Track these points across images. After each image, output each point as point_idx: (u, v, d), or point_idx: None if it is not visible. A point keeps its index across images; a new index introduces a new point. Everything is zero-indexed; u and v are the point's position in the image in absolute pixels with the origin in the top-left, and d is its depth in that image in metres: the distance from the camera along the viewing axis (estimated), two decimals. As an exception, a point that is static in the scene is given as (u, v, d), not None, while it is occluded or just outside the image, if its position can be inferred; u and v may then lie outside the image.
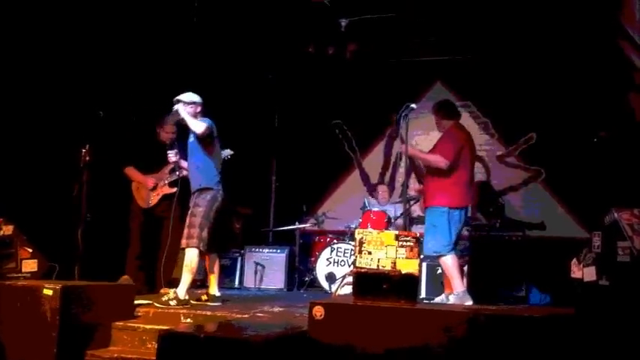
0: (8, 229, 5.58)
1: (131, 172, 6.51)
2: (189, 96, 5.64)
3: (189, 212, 5.45)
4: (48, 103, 6.31)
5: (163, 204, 6.39)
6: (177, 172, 6.19)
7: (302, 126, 9.59)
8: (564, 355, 3.27)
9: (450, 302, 5.48)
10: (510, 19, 7.32)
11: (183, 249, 5.38)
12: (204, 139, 5.52)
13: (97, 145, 5.79)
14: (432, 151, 5.83)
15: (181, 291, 5.21)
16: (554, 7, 6.95)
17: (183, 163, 6.02)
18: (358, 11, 7.53)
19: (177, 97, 5.60)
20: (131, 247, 6.40)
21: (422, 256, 6.09)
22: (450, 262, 5.56)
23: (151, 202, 6.42)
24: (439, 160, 5.64)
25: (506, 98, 8.47)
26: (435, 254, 5.63)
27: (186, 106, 5.57)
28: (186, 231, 5.37)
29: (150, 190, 6.42)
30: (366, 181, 9.64)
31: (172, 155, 6.05)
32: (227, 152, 6.04)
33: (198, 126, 5.45)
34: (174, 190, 6.15)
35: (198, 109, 5.65)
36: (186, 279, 5.28)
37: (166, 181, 6.37)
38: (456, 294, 5.49)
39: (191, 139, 5.67)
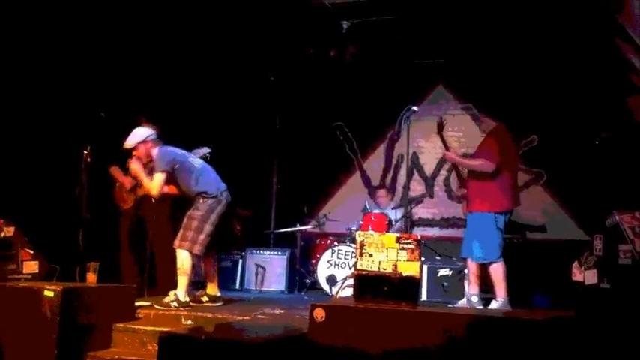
0: (9, 231, 5.59)
1: (115, 171, 6.47)
2: (132, 138, 5.50)
3: (188, 214, 5.42)
4: (49, 104, 6.32)
5: (146, 207, 6.35)
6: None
7: (303, 128, 9.59)
8: (565, 359, 3.27)
9: (491, 307, 5.46)
10: (512, 21, 7.31)
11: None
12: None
13: (98, 146, 5.78)
14: (476, 155, 5.75)
15: (181, 293, 5.21)
16: (554, 9, 6.95)
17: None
18: (360, 13, 7.52)
19: (124, 147, 5.51)
20: (122, 250, 6.39)
21: (423, 259, 6.11)
22: (500, 270, 5.50)
23: (130, 204, 6.38)
24: (485, 165, 5.54)
25: (507, 100, 8.43)
26: (485, 261, 5.55)
27: (136, 150, 5.50)
28: (181, 232, 5.35)
29: (128, 191, 6.39)
30: (368, 183, 9.64)
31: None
32: (204, 151, 5.99)
33: (151, 189, 5.41)
34: None
35: (149, 144, 5.52)
36: (182, 281, 5.27)
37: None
38: (501, 301, 5.45)
39: None
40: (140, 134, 5.50)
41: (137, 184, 6.35)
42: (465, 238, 5.76)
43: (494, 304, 5.48)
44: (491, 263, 5.52)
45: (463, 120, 8.91)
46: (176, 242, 5.32)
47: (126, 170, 6.43)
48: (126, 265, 6.32)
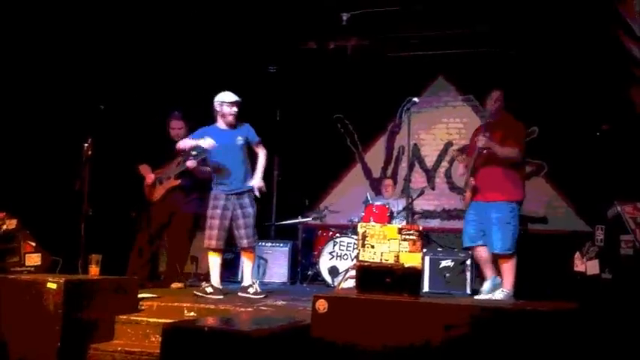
0: (12, 224, 5.58)
1: (143, 169, 6.56)
2: (228, 96, 5.84)
3: (253, 213, 5.74)
4: (50, 97, 6.32)
5: (172, 199, 6.39)
6: (182, 166, 6.20)
7: (304, 120, 9.57)
8: (567, 349, 3.27)
9: (496, 297, 5.40)
10: (511, 13, 7.30)
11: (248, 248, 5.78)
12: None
13: (99, 139, 5.78)
14: (501, 142, 5.53)
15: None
16: (555, 1, 6.94)
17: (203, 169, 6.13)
18: (360, 5, 7.51)
19: (238, 101, 5.80)
20: (138, 240, 6.43)
21: (425, 250, 6.09)
22: (515, 262, 5.47)
23: (158, 195, 6.45)
24: (516, 153, 5.47)
25: (508, 92, 8.43)
26: (509, 252, 5.45)
27: (231, 106, 5.78)
28: (253, 230, 5.71)
29: (151, 185, 6.45)
30: (368, 175, 9.63)
31: (191, 163, 6.08)
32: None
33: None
34: (178, 182, 6.23)
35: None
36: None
37: (172, 175, 6.38)
38: (506, 292, 5.43)
39: (240, 141, 5.79)
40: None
41: (160, 179, 6.43)
42: (474, 226, 5.62)
43: (499, 294, 5.45)
44: (510, 255, 5.46)
45: (464, 111, 8.93)
46: (254, 239, 5.74)
47: (152, 165, 6.48)
48: (136, 254, 6.38)
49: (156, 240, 6.48)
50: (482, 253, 5.64)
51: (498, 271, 5.61)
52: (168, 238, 6.47)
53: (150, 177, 6.48)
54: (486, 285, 5.61)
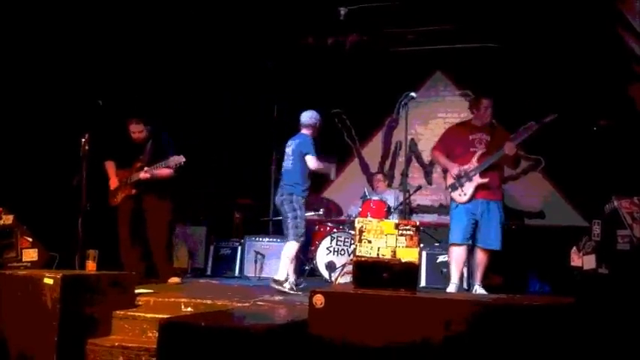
0: (8, 219, 5.59)
1: (108, 166, 6.46)
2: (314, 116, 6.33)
3: None
4: (47, 92, 6.30)
5: (145, 197, 6.34)
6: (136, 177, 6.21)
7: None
8: (564, 344, 3.28)
9: (479, 292, 5.55)
10: (510, 7, 7.30)
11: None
12: None
13: (96, 134, 5.77)
14: (499, 145, 5.77)
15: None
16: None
17: (160, 170, 6.15)
18: (357, 0, 7.50)
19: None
20: (120, 240, 6.36)
21: (422, 245, 6.09)
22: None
23: (115, 201, 6.36)
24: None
25: (505, 87, 8.45)
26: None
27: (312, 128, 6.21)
28: None
29: (112, 190, 6.37)
30: (366, 170, 9.64)
31: (144, 175, 6.16)
32: (180, 159, 6.04)
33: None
34: (133, 192, 6.21)
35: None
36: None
37: (129, 183, 6.29)
38: (481, 285, 5.64)
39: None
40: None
41: (125, 182, 6.32)
42: (471, 224, 5.66)
43: (480, 289, 5.60)
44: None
45: (461, 106, 8.89)
46: None
47: (120, 165, 6.41)
48: (125, 254, 6.33)
49: (137, 237, 6.35)
50: (464, 252, 5.77)
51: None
52: (149, 232, 6.33)
53: (114, 182, 6.34)
54: (452, 289, 5.67)
